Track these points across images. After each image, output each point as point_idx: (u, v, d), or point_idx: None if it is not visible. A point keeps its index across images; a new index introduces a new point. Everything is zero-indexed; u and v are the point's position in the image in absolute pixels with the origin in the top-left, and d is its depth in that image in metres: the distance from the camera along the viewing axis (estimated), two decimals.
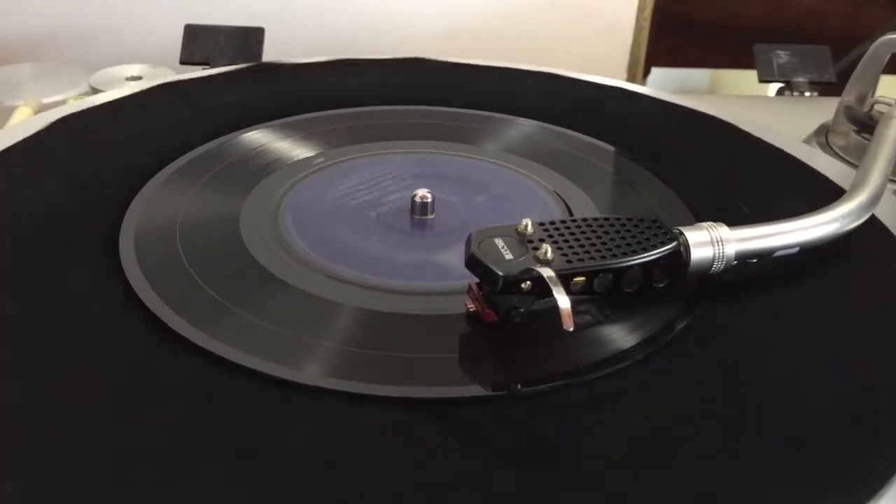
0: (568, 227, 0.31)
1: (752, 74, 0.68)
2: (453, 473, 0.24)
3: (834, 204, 0.35)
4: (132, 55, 0.70)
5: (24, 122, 0.45)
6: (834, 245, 0.34)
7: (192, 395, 0.27)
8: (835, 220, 0.34)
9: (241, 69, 0.55)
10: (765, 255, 0.33)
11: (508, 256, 0.30)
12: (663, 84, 1.03)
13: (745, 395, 0.28)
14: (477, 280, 0.30)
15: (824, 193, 0.37)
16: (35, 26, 0.79)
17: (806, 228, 0.33)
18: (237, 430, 0.25)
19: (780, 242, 0.33)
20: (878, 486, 0.24)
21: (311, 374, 0.28)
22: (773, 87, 0.72)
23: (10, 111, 0.55)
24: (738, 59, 0.78)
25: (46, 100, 0.58)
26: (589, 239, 0.31)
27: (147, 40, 0.80)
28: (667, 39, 0.99)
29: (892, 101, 0.46)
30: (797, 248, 0.33)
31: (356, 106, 0.49)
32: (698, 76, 1.10)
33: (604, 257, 0.30)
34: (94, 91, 0.60)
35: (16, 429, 0.25)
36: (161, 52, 0.67)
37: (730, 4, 1.05)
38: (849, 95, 0.53)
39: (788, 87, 0.66)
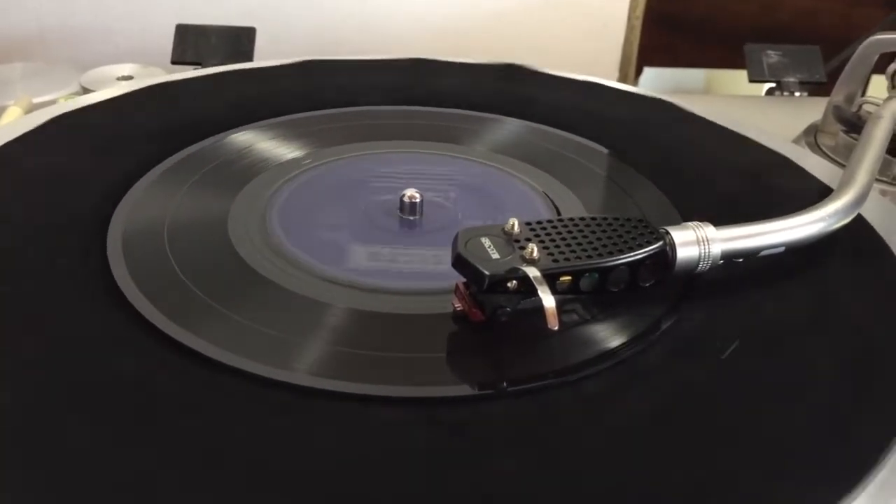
0: (555, 227, 0.32)
1: (746, 74, 0.68)
2: (439, 473, 0.24)
3: (820, 203, 0.35)
4: (124, 55, 0.70)
5: (13, 123, 0.45)
6: (820, 244, 0.34)
7: (178, 396, 0.27)
8: (821, 219, 0.34)
9: (232, 70, 0.55)
10: (751, 255, 0.33)
11: (495, 256, 0.30)
12: (656, 83, 1.03)
13: (730, 395, 0.28)
14: (464, 279, 0.31)
15: (813, 193, 0.37)
16: (27, 26, 0.79)
17: (792, 228, 0.33)
18: (224, 431, 0.25)
19: (765, 242, 0.33)
20: (861, 481, 0.24)
21: (297, 374, 0.28)
22: (765, 87, 0.72)
23: (1, 111, 0.55)
24: (731, 58, 0.78)
25: (37, 99, 0.58)
26: (575, 238, 0.31)
27: (139, 40, 0.80)
28: (659, 38, 0.99)
29: (880, 101, 0.46)
30: (783, 248, 0.33)
31: (345, 106, 0.49)
32: (692, 76, 1.10)
33: (590, 257, 0.30)
34: (85, 91, 0.60)
35: None
36: (153, 52, 0.67)
37: (722, 3, 1.05)
38: (837, 95, 0.53)
39: (779, 87, 0.66)
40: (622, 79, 0.93)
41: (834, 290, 0.34)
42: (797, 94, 0.65)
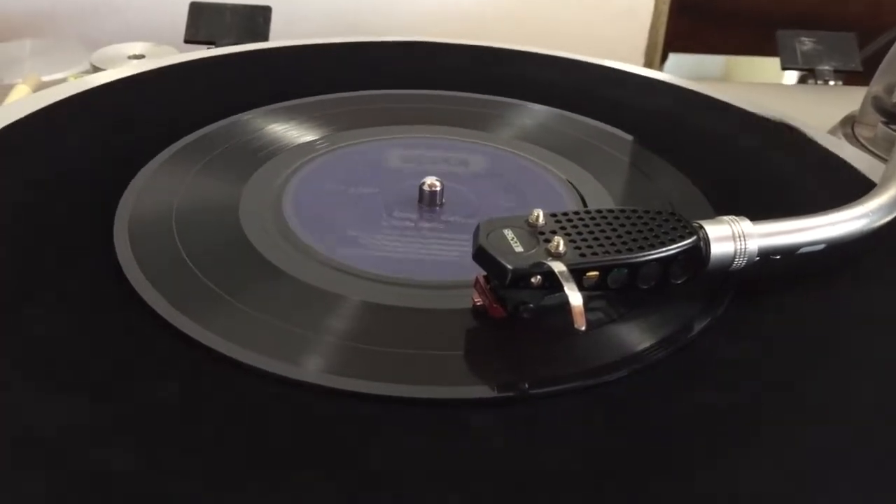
0: (581, 219, 0.30)
1: (768, 61, 0.66)
2: (456, 476, 0.23)
3: (863, 198, 0.33)
4: (135, 33, 0.68)
5: (20, 101, 0.44)
6: (863, 242, 0.32)
7: (184, 389, 0.26)
8: (864, 215, 0.32)
9: (244, 51, 0.53)
10: (789, 252, 0.31)
11: (518, 249, 0.28)
12: (680, 70, 1.01)
13: (766, 400, 0.27)
14: (484, 273, 0.29)
15: (853, 187, 0.36)
16: (37, 1, 0.78)
17: (833, 224, 0.31)
18: (230, 428, 0.24)
19: (805, 238, 0.31)
20: None
21: (309, 370, 0.27)
22: (791, 75, 0.70)
23: (9, 89, 0.53)
24: (758, 45, 0.76)
25: (46, 77, 0.57)
26: (604, 231, 0.29)
27: (151, 17, 0.78)
28: (685, 24, 0.97)
29: None
30: (823, 245, 0.31)
31: (362, 89, 0.48)
32: (713, 62, 1.08)
33: (619, 251, 0.29)
34: (95, 69, 0.59)
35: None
36: (165, 31, 0.66)
37: None
38: (877, 85, 0.51)
39: (812, 75, 0.64)
40: (648, 65, 0.91)
41: (878, 290, 0.32)
42: (831, 82, 0.63)
